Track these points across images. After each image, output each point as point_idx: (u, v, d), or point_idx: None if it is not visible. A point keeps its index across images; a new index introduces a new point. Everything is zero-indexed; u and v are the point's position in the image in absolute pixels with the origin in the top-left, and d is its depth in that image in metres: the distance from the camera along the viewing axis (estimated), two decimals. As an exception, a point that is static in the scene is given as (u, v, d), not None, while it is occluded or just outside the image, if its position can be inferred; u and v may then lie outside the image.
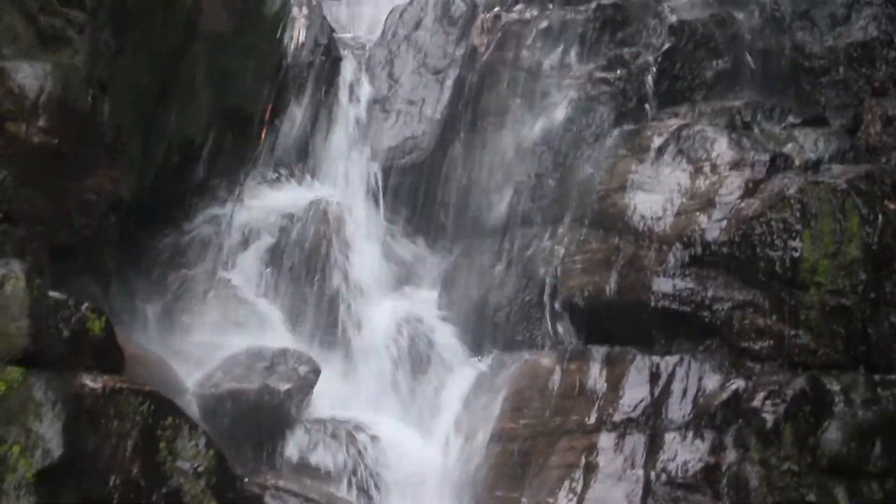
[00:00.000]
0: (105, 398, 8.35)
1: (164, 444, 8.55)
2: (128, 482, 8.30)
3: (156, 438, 8.52)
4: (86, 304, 8.68)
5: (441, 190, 12.25)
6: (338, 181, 12.33)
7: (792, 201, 9.95)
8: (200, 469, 8.64)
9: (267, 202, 11.94)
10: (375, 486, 10.35)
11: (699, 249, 10.15)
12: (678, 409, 9.77)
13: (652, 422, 9.79)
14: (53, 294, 8.45)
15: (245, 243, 11.74)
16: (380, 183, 12.26)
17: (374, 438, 10.52)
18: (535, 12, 12.39)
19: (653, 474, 9.50)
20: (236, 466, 9.18)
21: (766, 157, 10.46)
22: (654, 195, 10.58)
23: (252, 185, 11.96)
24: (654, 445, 9.67)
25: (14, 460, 7.71)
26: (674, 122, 11.20)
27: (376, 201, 12.27)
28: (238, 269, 11.65)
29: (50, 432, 7.87)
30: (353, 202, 12.19)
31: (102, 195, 10.29)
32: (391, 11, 13.43)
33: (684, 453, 9.54)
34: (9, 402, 7.85)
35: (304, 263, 11.64)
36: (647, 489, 9.44)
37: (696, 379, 9.87)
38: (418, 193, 12.35)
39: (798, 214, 9.89)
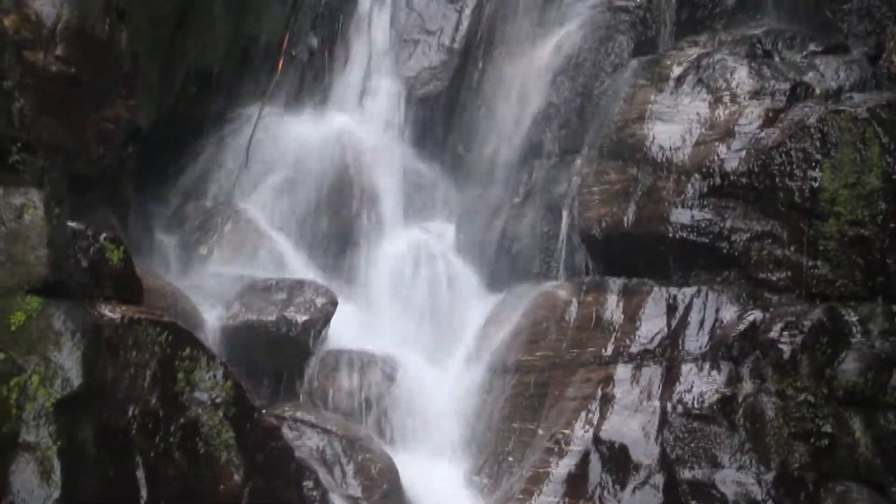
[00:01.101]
0: (124, 328, 8.36)
1: (182, 375, 8.57)
2: (146, 412, 8.34)
3: (174, 369, 8.55)
4: (104, 235, 8.67)
5: (459, 121, 12.21)
6: (355, 112, 12.28)
7: (812, 131, 9.90)
8: (218, 400, 8.67)
9: (285, 133, 11.91)
10: (392, 416, 10.40)
11: (718, 180, 10.10)
12: (695, 341, 9.77)
13: (669, 353, 9.79)
14: (72, 224, 8.43)
15: (263, 174, 11.73)
16: (397, 114, 12.21)
17: (390, 370, 10.56)
18: (553, -61, 12.26)
19: (669, 406, 9.51)
20: (254, 398, 9.20)
21: (786, 86, 10.37)
22: (673, 125, 10.51)
23: (270, 116, 11.91)
24: (670, 377, 9.68)
25: (34, 389, 7.73)
26: (693, 52, 11.11)
27: (394, 132, 12.23)
28: (256, 201, 11.65)
29: (69, 362, 7.89)
30: (371, 133, 12.15)
31: (121, 125, 10.28)
32: (409, -59, 13.31)
33: (701, 385, 9.54)
34: (28, 331, 7.86)
35: (322, 195, 11.63)
36: (664, 420, 9.46)
37: (714, 310, 9.86)
38: (436, 125, 12.32)
39: (818, 144, 9.83)
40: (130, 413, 8.27)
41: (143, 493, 8.14)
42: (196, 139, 11.75)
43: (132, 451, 8.19)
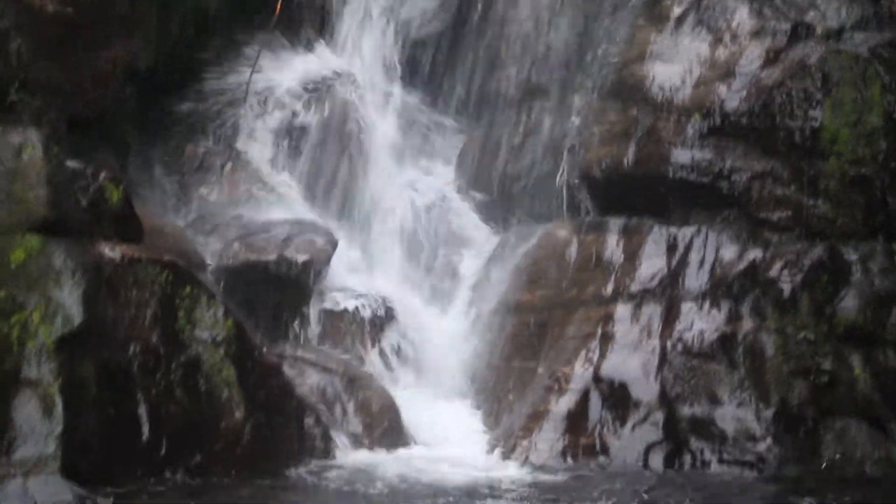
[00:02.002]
0: (124, 267, 8.39)
1: (182, 314, 8.60)
2: (147, 350, 8.38)
3: (175, 308, 8.58)
4: (104, 174, 8.68)
5: (458, 62, 12.15)
6: (355, 53, 12.22)
7: (813, 70, 9.86)
8: (219, 338, 8.71)
9: (284, 74, 11.86)
10: (392, 356, 10.44)
11: (718, 120, 10.07)
12: (695, 280, 9.79)
13: (669, 292, 9.81)
14: (71, 163, 8.44)
15: (262, 116, 11.69)
16: (396, 55, 12.16)
17: (391, 310, 10.59)
18: None
19: (669, 344, 9.54)
20: (254, 336, 9.24)
21: (787, 26, 10.30)
22: (674, 65, 10.45)
23: (269, 57, 11.86)
24: (670, 315, 9.70)
25: (34, 327, 7.77)
26: (694, -9, 11.05)
27: (393, 73, 12.19)
28: (255, 142, 11.63)
29: (70, 300, 7.92)
30: (371, 74, 12.10)
31: (119, 66, 10.27)
32: None
33: (700, 323, 9.57)
34: (28, 269, 7.89)
35: (322, 136, 11.60)
36: (663, 359, 9.49)
37: (714, 249, 9.87)
38: (435, 66, 12.25)
39: (819, 83, 9.80)
40: (131, 351, 8.31)
41: (145, 430, 8.20)
42: (195, 80, 11.68)
43: (133, 388, 8.24)
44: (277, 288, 10.41)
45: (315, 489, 8.24)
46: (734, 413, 9.15)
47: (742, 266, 9.66)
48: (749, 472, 8.86)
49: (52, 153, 8.13)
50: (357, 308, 10.53)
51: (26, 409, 7.58)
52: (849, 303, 9.32)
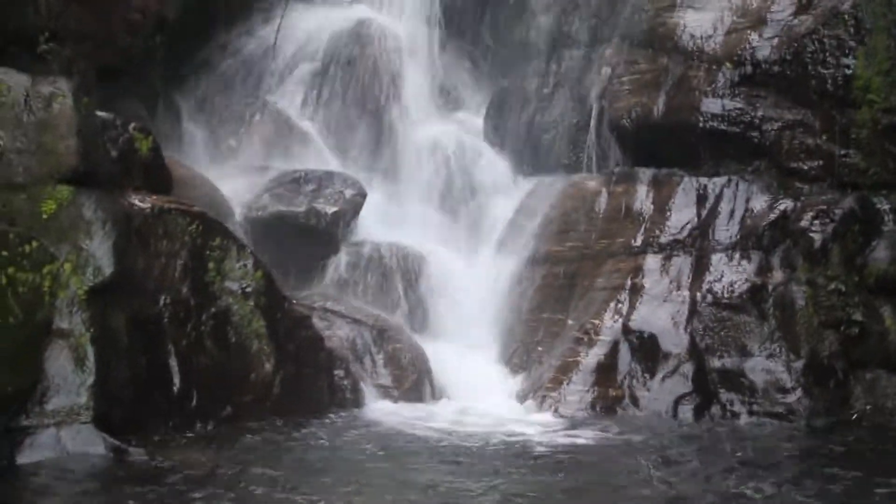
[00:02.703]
0: (154, 217, 8.39)
1: (212, 265, 8.61)
2: (177, 301, 8.39)
3: (204, 259, 8.59)
4: (133, 125, 8.68)
5: (488, 12, 12.09)
6: (385, 3, 12.17)
7: (846, 17, 9.76)
8: (248, 289, 8.71)
9: (313, 23, 11.83)
10: (422, 307, 10.44)
11: (749, 69, 10.00)
12: (725, 231, 9.75)
13: (698, 243, 9.77)
14: (101, 114, 8.42)
15: (291, 66, 11.67)
16: (426, 5, 12.09)
17: (421, 261, 10.59)
18: None
19: (699, 295, 9.51)
20: (284, 288, 9.24)
21: (820, -27, 10.22)
22: (705, 13, 10.38)
23: (298, 7, 11.82)
24: (700, 267, 9.67)
25: (66, 277, 7.77)
26: (726, -61, 10.93)
27: (422, 23, 12.13)
28: (284, 92, 11.61)
29: (100, 250, 7.92)
30: (400, 24, 12.06)
31: (148, 15, 10.25)
32: None
33: (730, 274, 9.54)
34: (59, 220, 7.88)
35: (351, 86, 11.58)
36: (693, 310, 9.47)
37: (744, 200, 9.82)
38: (465, 15, 12.20)
39: (852, 31, 9.70)
40: (162, 302, 8.33)
41: (176, 380, 8.24)
42: (224, 30, 11.68)
43: (164, 339, 8.26)
44: (307, 239, 10.42)
45: (343, 441, 8.25)
46: (764, 364, 9.13)
47: (772, 217, 9.61)
48: (779, 424, 8.83)
49: (82, 103, 8.09)
50: (386, 259, 10.52)
51: (58, 360, 7.60)
52: (880, 253, 9.26)
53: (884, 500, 6.72)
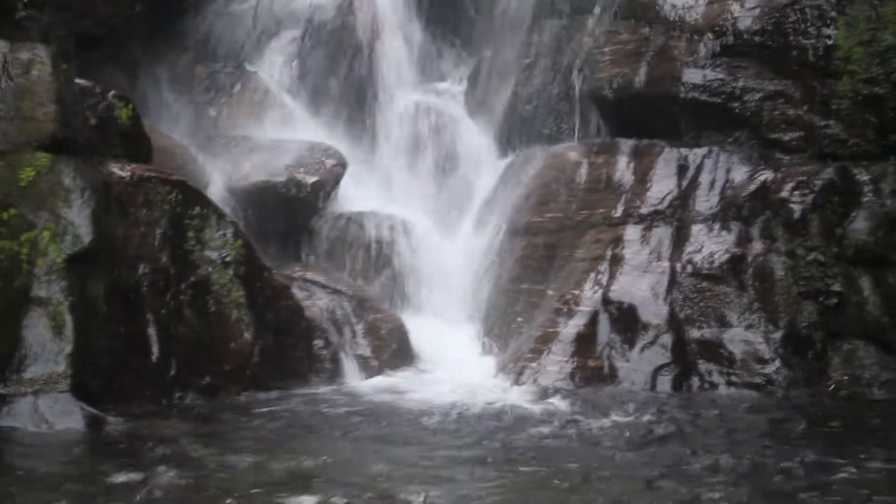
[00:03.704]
0: (133, 186, 8.37)
1: (192, 234, 8.60)
2: (157, 270, 8.39)
3: (184, 228, 8.58)
4: (112, 92, 8.65)
5: (471, -19, 12.07)
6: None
7: (827, -13, 9.76)
8: (228, 258, 8.70)
9: (295, -4, 11.80)
10: (402, 278, 10.43)
11: (731, 39, 9.98)
12: (705, 201, 9.74)
13: (679, 214, 9.77)
14: (80, 81, 8.39)
15: (272, 36, 11.62)
16: (408, -24, 12.07)
17: (400, 231, 10.57)
18: None
19: (678, 266, 9.51)
20: (264, 257, 9.23)
21: (801, -58, 10.20)
22: (686, -17, 10.37)
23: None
24: (680, 237, 9.67)
25: (45, 245, 7.75)
26: None
27: (406, -5, 12.11)
28: (265, 62, 11.57)
29: (79, 218, 7.90)
30: (383, -5, 12.03)
31: (128, -16, 10.19)
32: None
33: (710, 245, 9.54)
34: (38, 187, 7.86)
35: (331, 56, 11.54)
36: (673, 280, 9.46)
37: (725, 171, 9.82)
38: (448, -14, 12.19)
39: (833, 1, 9.67)
40: (141, 271, 8.32)
41: (155, 349, 8.24)
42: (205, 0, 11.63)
43: (143, 308, 8.26)
44: (287, 209, 10.40)
45: (324, 410, 8.26)
46: (743, 335, 9.13)
47: (753, 187, 9.61)
48: (757, 395, 8.84)
49: (61, 70, 8.06)
50: (367, 229, 10.51)
51: (37, 328, 7.59)
52: (859, 224, 9.27)
53: (856, 467, 6.75)
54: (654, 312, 9.36)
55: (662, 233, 9.73)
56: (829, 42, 9.63)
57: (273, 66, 11.53)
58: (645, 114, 10.26)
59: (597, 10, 10.86)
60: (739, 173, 9.77)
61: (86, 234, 7.90)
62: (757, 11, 9.92)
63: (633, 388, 9.03)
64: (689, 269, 9.47)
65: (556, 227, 10.18)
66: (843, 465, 6.79)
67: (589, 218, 10.07)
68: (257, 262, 8.93)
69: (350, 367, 9.31)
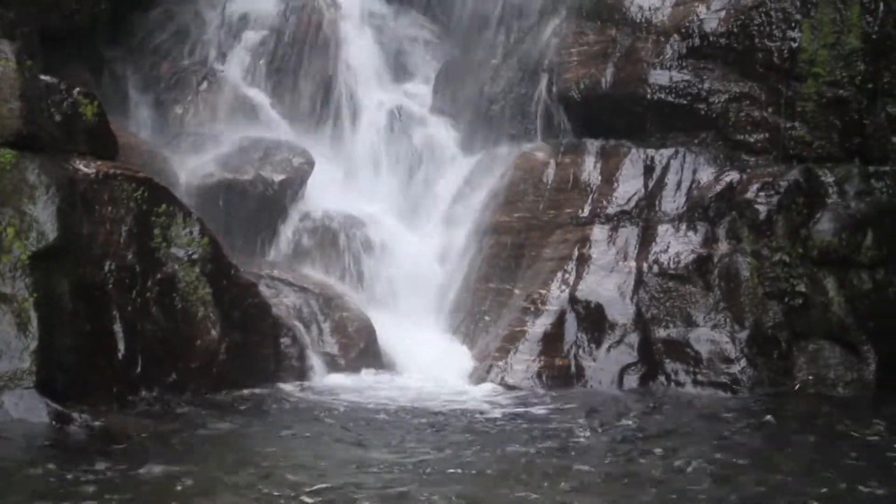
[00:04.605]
0: (99, 183, 8.33)
1: (158, 231, 8.56)
2: (123, 268, 8.34)
3: (150, 225, 8.54)
4: (78, 89, 8.58)
5: (438, -19, 12.08)
6: (335, -29, 12.13)
7: (792, -10, 9.81)
8: (195, 256, 8.67)
9: (262, -7, 11.78)
10: (369, 276, 10.43)
11: (697, 41, 10.02)
12: (672, 202, 9.78)
13: (645, 214, 9.81)
14: (45, 78, 8.34)
15: (238, 33, 11.59)
16: (376, -26, 12.08)
17: (367, 230, 10.58)
18: None
19: (645, 266, 9.55)
20: (230, 254, 9.21)
21: (767, -54, 10.25)
22: (653, -16, 10.40)
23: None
24: (646, 237, 9.71)
25: (9, 242, 7.71)
26: (674, -88, 10.94)
27: (372, -7, 12.11)
28: (232, 60, 11.54)
29: (44, 215, 7.85)
30: (350, -7, 12.02)
31: (93, -20, 10.15)
32: None
33: (677, 245, 9.58)
34: (2, 184, 7.81)
35: (298, 54, 11.52)
36: (639, 280, 9.50)
37: (691, 171, 9.86)
38: (416, -15, 12.20)
39: (798, 4, 9.72)
40: (107, 268, 8.27)
41: (121, 347, 8.20)
42: (170, -3, 11.61)
43: (109, 305, 8.22)
44: (254, 207, 10.38)
45: (288, 408, 8.25)
46: (709, 335, 9.18)
47: (719, 188, 9.66)
48: (723, 394, 8.90)
49: (26, 66, 8.02)
50: (333, 228, 10.51)
51: (1, 325, 7.54)
52: (824, 225, 9.34)
53: (817, 466, 6.80)
54: (620, 312, 9.40)
55: (629, 233, 9.77)
56: (794, 45, 9.69)
57: (240, 64, 11.50)
58: (612, 115, 10.29)
59: (564, 11, 10.88)
60: (705, 174, 9.81)
61: (51, 231, 7.85)
62: (723, 14, 9.97)
63: (600, 388, 9.07)
64: (656, 269, 9.51)
65: (524, 226, 10.20)
66: (802, 461, 6.85)
67: (556, 218, 10.09)
68: (224, 260, 8.90)
69: (317, 365, 9.30)
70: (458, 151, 11.31)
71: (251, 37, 11.58)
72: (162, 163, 10.05)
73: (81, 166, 8.31)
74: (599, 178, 10.11)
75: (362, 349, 9.65)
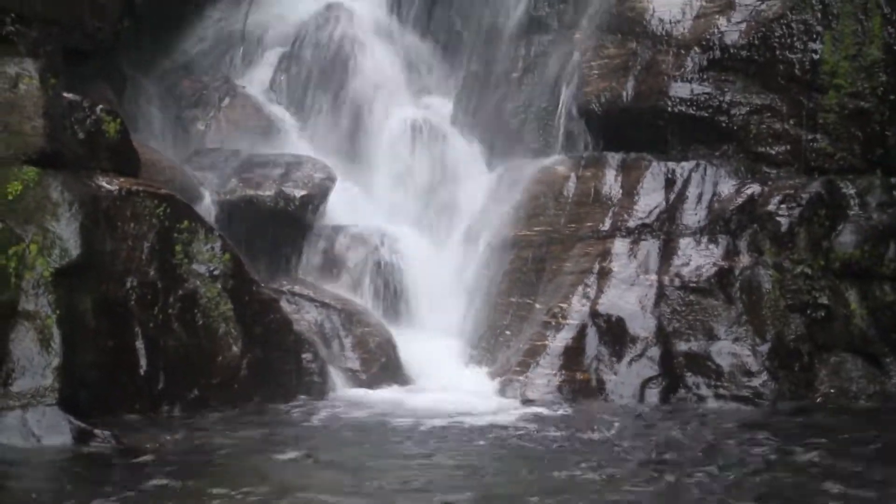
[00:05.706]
0: (121, 200, 8.38)
1: (180, 248, 8.60)
2: (145, 284, 8.39)
3: (172, 241, 8.58)
4: (101, 107, 8.65)
5: (458, -3, 12.09)
6: (356, -12, 12.19)
7: (813, 2, 9.76)
8: (216, 272, 8.71)
9: (281, 7, 11.81)
10: (391, 291, 10.44)
11: (718, 53, 10.02)
12: (693, 215, 9.77)
13: (666, 227, 9.80)
14: (68, 95, 8.40)
15: (259, 50, 11.66)
16: (396, -10, 12.12)
17: (389, 245, 10.58)
18: None
19: (666, 279, 9.54)
20: (252, 270, 9.24)
21: (787, -43, 10.24)
22: (673, -3, 10.40)
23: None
24: (668, 251, 9.69)
25: (32, 258, 7.76)
26: (694, -75, 10.95)
27: (391, 9, 12.12)
28: (253, 77, 11.60)
29: (67, 232, 7.91)
30: (368, 9, 12.05)
31: (116, -1, 10.21)
32: None
33: (698, 258, 9.57)
34: (25, 201, 7.88)
35: (319, 70, 11.58)
36: (661, 293, 9.49)
37: (712, 184, 9.85)
38: (433, 0, 12.19)
39: (819, 15, 9.73)
40: (129, 284, 8.32)
41: (143, 363, 8.24)
42: (192, 14, 11.66)
43: (131, 322, 8.26)
44: (275, 223, 10.41)
45: (309, 424, 8.26)
46: (730, 348, 9.16)
47: (740, 200, 9.64)
48: (744, 407, 8.87)
49: (49, 84, 8.09)
50: (355, 243, 10.52)
51: (24, 342, 7.59)
52: (846, 237, 9.32)
53: (841, 481, 6.76)
54: (641, 325, 9.38)
55: (650, 246, 9.76)
56: (816, 56, 9.68)
57: (262, 81, 11.58)
58: (632, 128, 10.29)
59: (584, 24, 10.90)
60: (727, 187, 9.80)
61: (73, 248, 7.91)
62: (744, 26, 9.96)
63: (621, 401, 9.06)
64: (677, 282, 9.50)
65: (545, 240, 10.20)
66: (824, 475, 6.82)
67: (577, 231, 10.09)
68: (245, 276, 8.93)
69: (339, 381, 9.32)
70: (479, 165, 11.32)
71: (272, 54, 11.65)
72: (184, 179, 10.09)
73: (104, 183, 8.36)
74: (620, 191, 10.11)
75: (383, 364, 9.67)
